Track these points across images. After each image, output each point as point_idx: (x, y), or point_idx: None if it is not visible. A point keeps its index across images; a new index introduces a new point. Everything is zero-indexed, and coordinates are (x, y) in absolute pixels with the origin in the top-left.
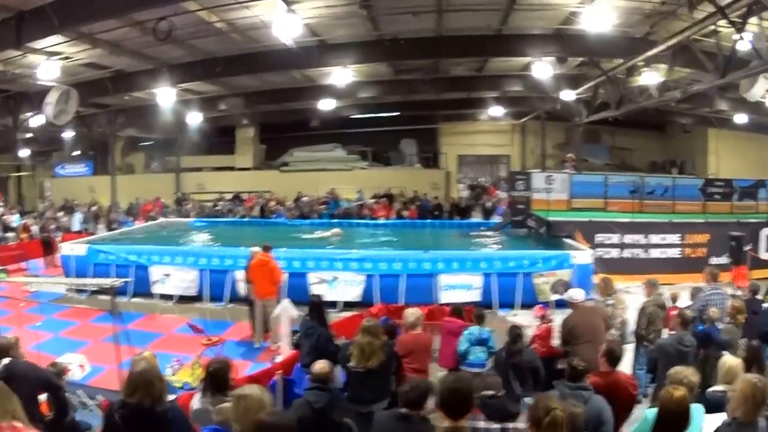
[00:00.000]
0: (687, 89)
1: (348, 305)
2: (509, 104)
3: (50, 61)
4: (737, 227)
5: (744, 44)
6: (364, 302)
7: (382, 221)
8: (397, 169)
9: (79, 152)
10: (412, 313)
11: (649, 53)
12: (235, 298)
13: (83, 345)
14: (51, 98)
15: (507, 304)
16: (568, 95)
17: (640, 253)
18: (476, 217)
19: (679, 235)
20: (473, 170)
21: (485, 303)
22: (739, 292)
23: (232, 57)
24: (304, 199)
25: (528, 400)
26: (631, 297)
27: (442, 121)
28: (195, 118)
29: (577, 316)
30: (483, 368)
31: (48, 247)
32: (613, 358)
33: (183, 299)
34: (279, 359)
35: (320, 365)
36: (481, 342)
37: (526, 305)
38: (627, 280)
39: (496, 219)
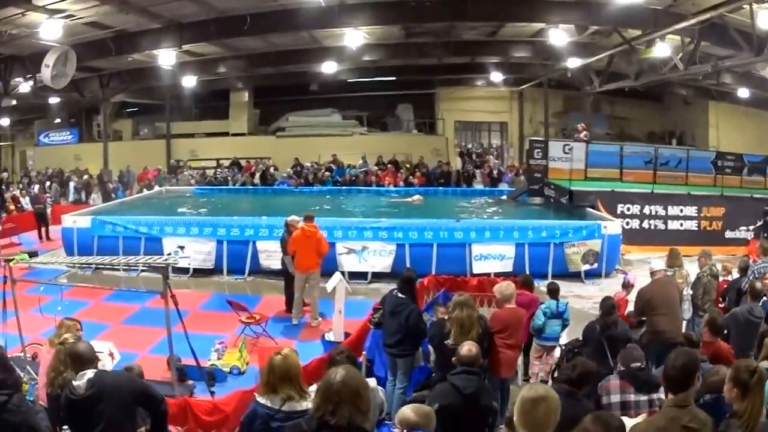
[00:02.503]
0: (718, 64)
1: (376, 276)
2: (511, 71)
3: (53, 20)
4: (752, 202)
5: None
6: (395, 273)
7: (390, 188)
8: (396, 134)
9: (59, 120)
10: (506, 287)
11: (678, 26)
12: (255, 271)
13: (105, 329)
14: (49, 60)
15: (538, 274)
16: (576, 63)
17: (659, 224)
18: (478, 185)
19: (696, 207)
20: (470, 137)
21: (517, 273)
22: None
23: (253, 15)
24: (307, 164)
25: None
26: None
27: (439, 86)
28: (189, 82)
29: (654, 287)
30: (557, 341)
31: (43, 220)
32: (716, 327)
33: (198, 272)
34: (330, 336)
35: (468, 347)
36: (558, 315)
37: (557, 275)
38: (647, 250)
39: (503, 186)
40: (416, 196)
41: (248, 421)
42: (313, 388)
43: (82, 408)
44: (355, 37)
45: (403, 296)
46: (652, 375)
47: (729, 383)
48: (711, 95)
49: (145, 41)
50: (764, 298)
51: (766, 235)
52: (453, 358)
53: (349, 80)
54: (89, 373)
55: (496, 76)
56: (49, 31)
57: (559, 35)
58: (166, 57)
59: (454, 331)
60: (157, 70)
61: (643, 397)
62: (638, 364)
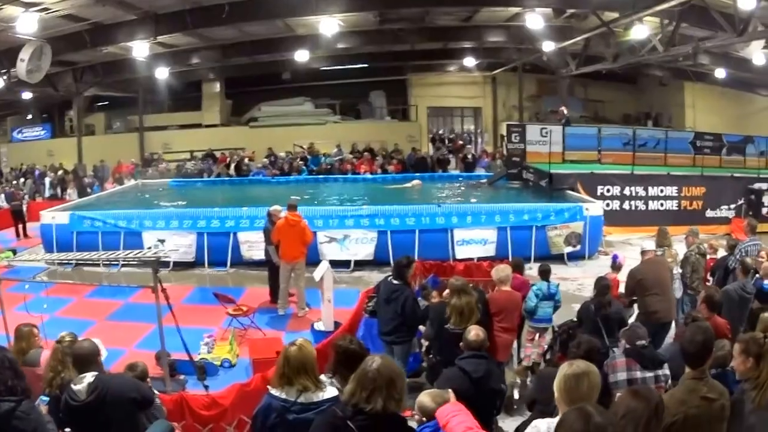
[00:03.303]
0: (699, 45)
1: (359, 264)
2: (485, 56)
3: (29, 13)
4: (732, 181)
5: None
6: (377, 260)
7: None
8: (370, 122)
9: (31, 116)
10: (503, 269)
11: (658, 8)
12: (237, 262)
13: (90, 325)
14: (25, 54)
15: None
16: (551, 47)
17: (639, 205)
18: (453, 170)
19: (676, 187)
20: (444, 123)
21: (500, 257)
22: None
23: (230, 3)
24: (281, 154)
25: (618, 351)
26: (633, 249)
27: (412, 72)
28: (162, 74)
29: (645, 267)
30: (550, 323)
31: (20, 218)
32: (713, 303)
33: (178, 266)
34: (320, 325)
35: (475, 332)
36: (550, 297)
37: (539, 258)
38: (628, 231)
39: (479, 171)
40: (415, 182)
41: (263, 415)
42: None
43: (84, 414)
44: (330, 24)
45: (398, 282)
46: (657, 352)
47: (741, 356)
48: (687, 76)
49: (121, 33)
50: (756, 275)
51: (751, 213)
52: (460, 343)
53: (321, 68)
54: (89, 377)
55: (470, 62)
56: (26, 24)
57: (535, 19)
58: (139, 49)
59: (454, 318)
60: (130, 63)
61: (649, 374)
62: (643, 341)
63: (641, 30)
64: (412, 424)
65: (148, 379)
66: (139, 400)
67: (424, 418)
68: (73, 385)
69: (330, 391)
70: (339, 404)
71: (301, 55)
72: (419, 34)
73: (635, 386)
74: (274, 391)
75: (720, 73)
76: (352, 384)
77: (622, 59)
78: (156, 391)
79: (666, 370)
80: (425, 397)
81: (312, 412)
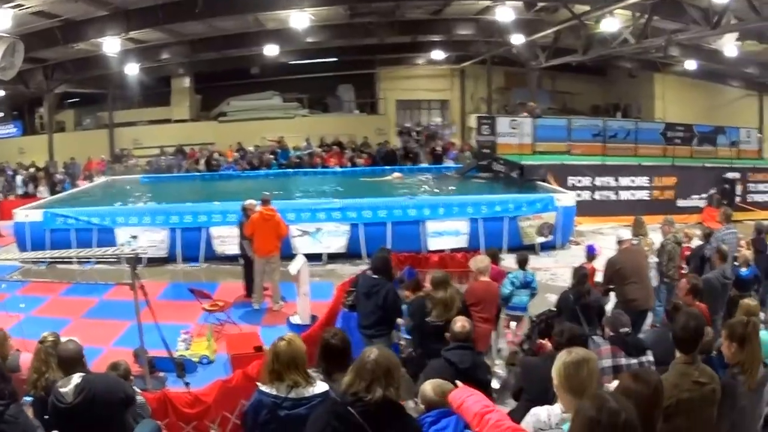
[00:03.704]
0: (672, 38)
1: (332, 257)
2: (452, 48)
3: (2, 9)
4: (703, 171)
5: None
6: (350, 253)
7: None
8: (338, 115)
9: (2, 114)
10: (481, 260)
11: (630, 1)
12: (210, 257)
13: (66, 324)
14: None
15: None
16: (521, 39)
17: (610, 195)
18: (422, 162)
19: (647, 177)
20: (412, 115)
21: (473, 248)
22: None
23: None
24: (250, 149)
25: (597, 339)
26: (604, 238)
27: (380, 65)
28: (132, 70)
29: (623, 256)
30: (524, 311)
31: None
32: (697, 291)
33: (152, 262)
34: (296, 319)
35: (461, 323)
36: (526, 285)
37: (511, 248)
38: (599, 221)
39: (448, 163)
40: (395, 174)
41: (253, 412)
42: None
43: (72, 417)
44: (300, 18)
45: (377, 276)
46: (640, 339)
47: (726, 341)
48: (657, 68)
49: (92, 29)
50: (735, 263)
51: (725, 202)
52: (447, 334)
53: (290, 62)
54: (76, 378)
55: (439, 55)
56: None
57: (505, 12)
58: (110, 45)
59: (438, 310)
60: (101, 59)
61: (634, 360)
62: (626, 329)
63: (612, 23)
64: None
65: (131, 378)
66: (125, 400)
67: (423, 407)
68: (59, 388)
69: (320, 386)
70: (331, 397)
71: (271, 50)
72: (389, 28)
73: (635, 369)
74: (264, 388)
75: (691, 64)
76: (351, 375)
77: (593, 51)
78: (138, 390)
79: (650, 357)
80: (428, 388)
81: (303, 408)
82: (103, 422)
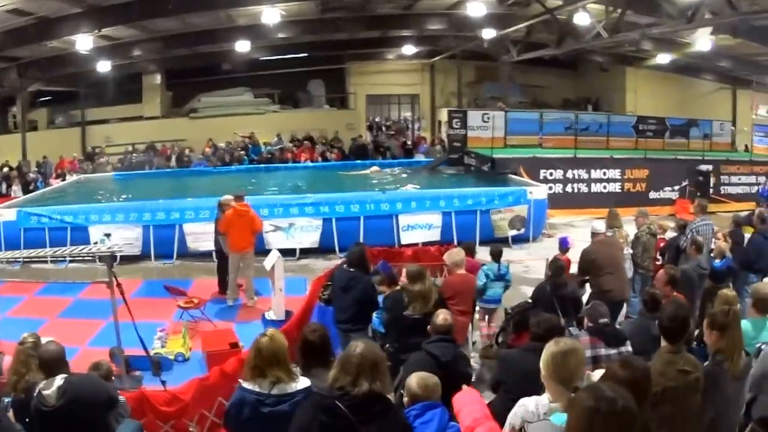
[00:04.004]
0: (645, 32)
1: (304, 252)
2: (423, 43)
3: None
4: (675, 163)
5: None
6: (323, 248)
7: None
8: (309, 111)
9: None
10: (456, 253)
11: None
12: (183, 254)
13: (42, 323)
14: None
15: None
16: (492, 34)
17: (582, 188)
18: (392, 157)
19: (619, 170)
20: (382, 110)
21: (446, 242)
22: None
23: None
24: (221, 145)
25: (573, 330)
26: (576, 231)
27: (350, 60)
28: (104, 67)
29: (598, 247)
30: (499, 304)
31: None
32: (676, 282)
33: (125, 259)
34: (271, 315)
35: (443, 316)
36: (500, 278)
37: (484, 242)
38: (571, 214)
39: (419, 157)
40: (373, 168)
41: (235, 410)
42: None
43: (55, 419)
44: (271, 14)
45: (354, 270)
46: (619, 329)
47: (707, 330)
48: (629, 62)
49: (66, 27)
50: (711, 254)
51: (699, 194)
52: (428, 327)
53: (261, 58)
54: (58, 380)
55: (409, 50)
56: None
57: (477, 7)
58: (83, 42)
59: (417, 304)
60: (74, 57)
61: (613, 351)
62: (605, 320)
63: (585, 17)
64: None
65: (112, 378)
66: (108, 401)
67: (408, 400)
68: (42, 390)
69: (303, 382)
70: (315, 392)
71: (242, 46)
72: (359, 23)
73: (625, 356)
74: (246, 385)
75: (663, 58)
76: (336, 369)
77: (565, 46)
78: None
79: (628, 347)
80: (413, 381)
81: (287, 404)
82: (86, 424)
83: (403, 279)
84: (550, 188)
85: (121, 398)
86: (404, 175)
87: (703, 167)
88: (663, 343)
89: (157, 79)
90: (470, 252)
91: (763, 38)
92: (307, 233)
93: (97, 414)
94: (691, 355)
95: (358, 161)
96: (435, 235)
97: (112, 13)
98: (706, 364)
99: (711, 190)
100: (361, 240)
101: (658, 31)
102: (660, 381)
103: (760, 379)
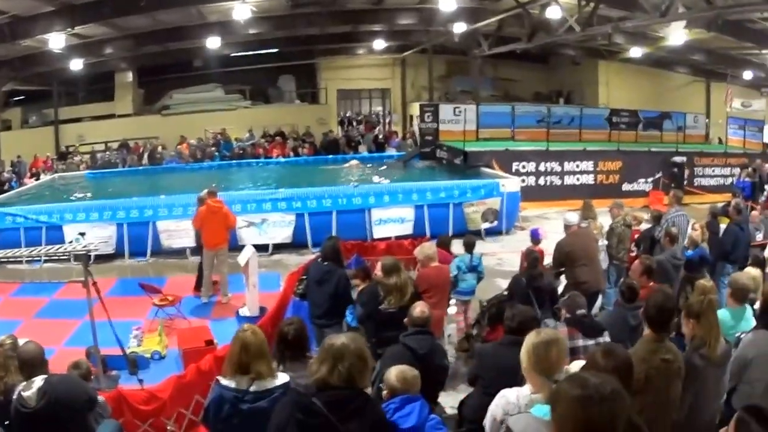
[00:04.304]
0: (619, 25)
1: (277, 247)
2: (394, 38)
3: None
4: (649, 156)
5: None
6: (296, 243)
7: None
8: (280, 106)
9: None
10: (429, 246)
11: None
12: (157, 252)
13: (18, 325)
14: None
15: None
16: (463, 28)
17: (555, 180)
18: (364, 151)
19: (592, 162)
20: (353, 105)
21: (418, 235)
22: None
23: None
24: (191, 141)
25: (549, 322)
26: (549, 223)
27: (320, 55)
28: (77, 65)
29: (572, 239)
30: (473, 295)
31: None
32: (651, 272)
33: (99, 258)
34: (245, 311)
35: (420, 308)
36: (472, 269)
37: (457, 234)
38: (543, 206)
39: (391, 151)
40: (353, 162)
41: (215, 407)
42: None
43: (35, 421)
44: (242, 10)
45: (328, 263)
46: (596, 320)
47: (685, 319)
48: (601, 55)
49: (39, 25)
50: (684, 244)
51: (673, 185)
52: (405, 320)
53: (231, 54)
54: (38, 381)
55: (380, 44)
56: None
57: (448, 1)
58: (56, 41)
59: (393, 297)
60: (47, 55)
61: (591, 342)
62: (583, 311)
63: (557, 11)
64: None
65: (91, 378)
66: (88, 402)
67: (387, 393)
68: (22, 392)
69: (282, 377)
70: (293, 389)
71: (213, 42)
72: (330, 18)
73: (608, 345)
74: (224, 381)
75: (636, 52)
76: (317, 360)
77: (537, 40)
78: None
79: (606, 338)
80: (392, 375)
81: (265, 401)
82: (66, 425)
83: (377, 272)
84: (523, 181)
85: (100, 398)
86: (383, 168)
87: (678, 159)
88: (646, 331)
89: (129, 76)
90: (446, 245)
91: (738, 33)
92: (280, 228)
93: (78, 414)
94: (672, 344)
95: (330, 156)
96: (407, 228)
97: (84, 11)
98: (685, 352)
99: (685, 182)
100: (334, 234)
101: (632, 24)
102: (643, 367)
103: (740, 368)
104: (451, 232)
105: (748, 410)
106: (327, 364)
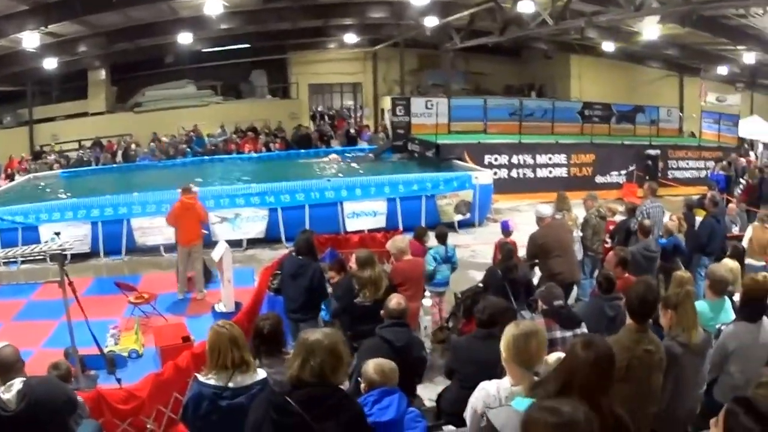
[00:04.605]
0: (592, 20)
1: (251, 242)
2: (365, 32)
3: None
4: (622, 148)
5: None
6: (269, 238)
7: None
8: (252, 101)
9: None
10: (401, 240)
11: None
12: (131, 250)
13: None
14: None
15: (411, 228)
16: (435, 22)
17: (528, 172)
18: (335, 145)
19: (565, 155)
20: (324, 99)
21: (391, 228)
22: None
23: None
24: (164, 138)
25: (525, 313)
26: (521, 215)
27: (292, 50)
28: (51, 64)
29: (546, 231)
30: (447, 286)
31: None
32: (626, 263)
33: (75, 257)
34: (221, 307)
35: (396, 300)
36: (447, 260)
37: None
38: (516, 198)
39: (362, 145)
40: (332, 156)
41: (194, 404)
42: None
43: (15, 424)
44: (214, 5)
45: (302, 257)
46: (573, 312)
47: (662, 310)
48: (573, 49)
49: (12, 25)
50: (659, 235)
51: (647, 178)
52: (381, 312)
53: (203, 50)
54: (17, 384)
55: (351, 38)
56: None
57: None
58: (30, 40)
59: (367, 291)
60: (20, 55)
61: (568, 333)
62: (560, 302)
63: (529, 5)
64: None
65: (72, 379)
66: (68, 403)
67: (365, 386)
68: (2, 395)
69: (260, 373)
70: (269, 386)
71: (185, 38)
72: (301, 12)
73: (588, 336)
74: (203, 379)
75: (608, 46)
76: (292, 357)
77: (509, 33)
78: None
79: (584, 329)
80: (369, 368)
81: (244, 397)
82: (47, 427)
83: (352, 264)
84: (495, 173)
85: (79, 399)
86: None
87: (652, 152)
88: (628, 321)
89: (102, 74)
90: (421, 238)
91: (713, 28)
92: (253, 223)
93: (58, 416)
94: (654, 335)
95: (302, 150)
96: (380, 221)
97: (57, 9)
98: (663, 341)
99: (659, 174)
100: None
101: (606, 19)
102: (625, 356)
103: (721, 359)
104: (424, 225)
105: (737, 401)
106: (299, 359)
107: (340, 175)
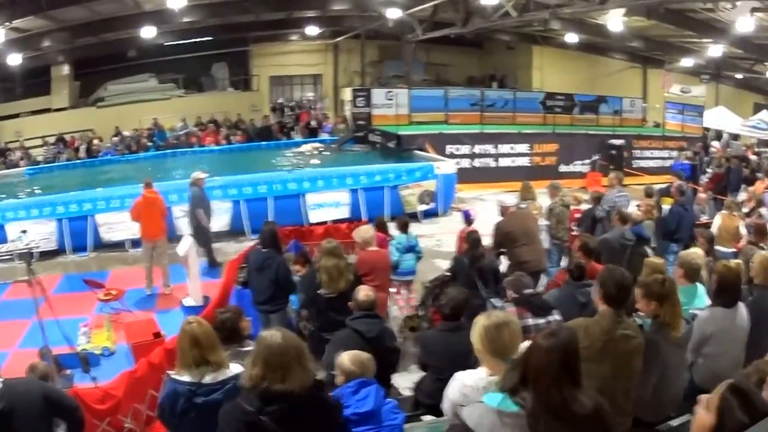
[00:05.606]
0: (556, 12)
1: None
2: (327, 24)
3: None
4: (585, 138)
5: None
6: (233, 230)
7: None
8: (213, 94)
9: None
10: (366, 230)
11: None
12: (98, 246)
13: None
14: None
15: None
16: (397, 14)
17: (490, 162)
18: (296, 137)
19: (527, 144)
20: (284, 91)
21: (354, 219)
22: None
23: None
24: (125, 133)
25: (495, 301)
26: (485, 204)
27: (253, 42)
28: (15, 60)
29: (512, 220)
30: (413, 275)
31: None
32: (588, 250)
33: (42, 255)
34: (189, 301)
35: (365, 291)
36: (410, 249)
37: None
38: (478, 188)
39: (324, 136)
40: (311, 145)
41: (169, 402)
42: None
43: None
44: None
45: (267, 250)
46: (545, 299)
47: (644, 299)
48: (535, 40)
49: None
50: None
51: (612, 167)
52: (350, 303)
53: (165, 43)
54: None
55: (313, 30)
56: None
57: None
58: None
59: (324, 280)
60: None
61: (541, 320)
62: (530, 290)
63: None
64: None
65: (51, 379)
66: (48, 403)
67: (342, 378)
68: None
69: (234, 368)
70: (243, 393)
71: (148, 32)
72: (265, 5)
73: (549, 326)
74: (177, 377)
75: (571, 38)
76: (258, 366)
77: (471, 25)
78: None
79: (556, 316)
80: (345, 358)
81: (219, 392)
82: (28, 428)
83: (316, 255)
84: (458, 163)
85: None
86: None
87: (616, 141)
88: (603, 307)
89: (65, 69)
90: (382, 227)
91: (679, 21)
92: (217, 216)
93: (38, 416)
94: (632, 322)
95: (263, 142)
96: (344, 212)
97: (22, 3)
98: (647, 330)
99: (624, 164)
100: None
101: (570, 11)
102: (603, 338)
103: (699, 344)
104: (388, 215)
105: (733, 392)
106: (272, 371)
107: (301, 166)
